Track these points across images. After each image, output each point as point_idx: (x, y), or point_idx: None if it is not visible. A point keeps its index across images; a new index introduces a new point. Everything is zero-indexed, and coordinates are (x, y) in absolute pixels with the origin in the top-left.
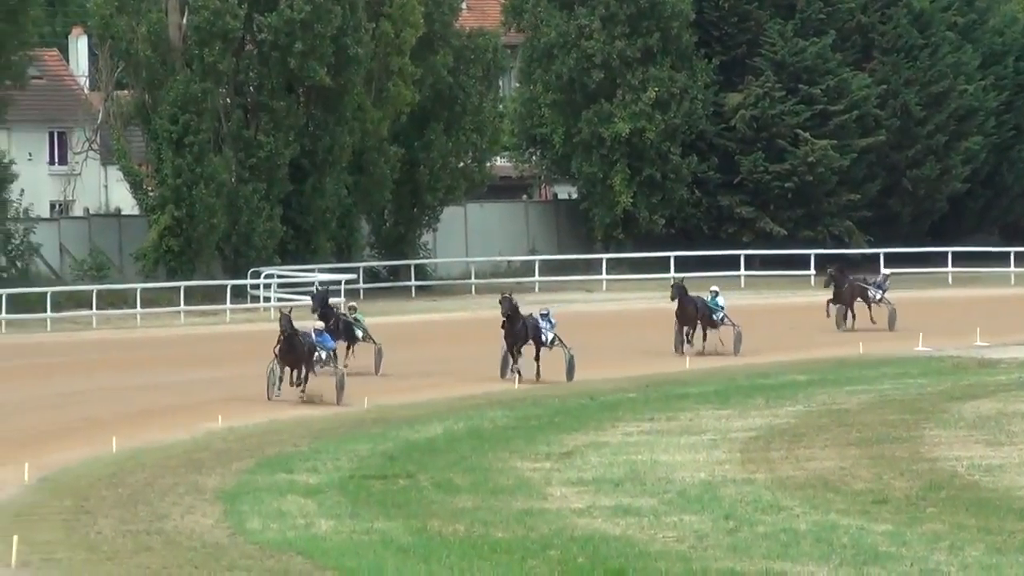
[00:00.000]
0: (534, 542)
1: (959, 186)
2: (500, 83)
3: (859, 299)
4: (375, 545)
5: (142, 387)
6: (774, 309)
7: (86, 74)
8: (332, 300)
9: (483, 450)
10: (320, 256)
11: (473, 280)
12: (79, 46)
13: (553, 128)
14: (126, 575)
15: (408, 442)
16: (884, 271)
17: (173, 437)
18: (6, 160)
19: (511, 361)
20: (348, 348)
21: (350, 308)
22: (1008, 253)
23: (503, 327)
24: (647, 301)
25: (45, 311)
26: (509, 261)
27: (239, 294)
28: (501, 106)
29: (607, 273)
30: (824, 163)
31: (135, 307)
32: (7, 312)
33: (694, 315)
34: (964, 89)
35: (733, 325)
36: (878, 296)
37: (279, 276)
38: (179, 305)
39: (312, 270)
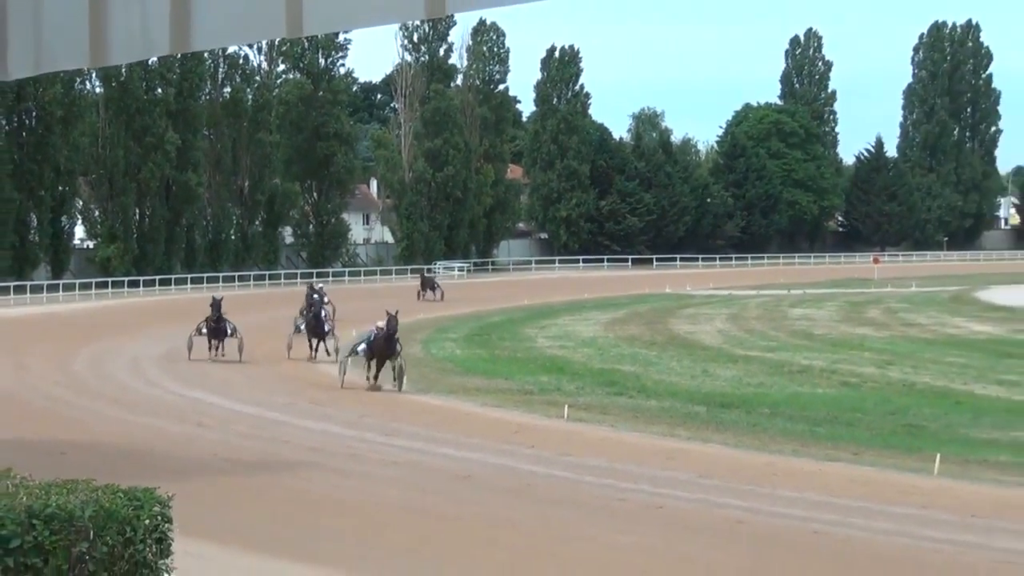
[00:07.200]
0: (532, 359)
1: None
2: None
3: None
4: (476, 359)
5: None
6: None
7: (376, 191)
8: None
9: (514, 325)
10: None
11: None
12: (372, 182)
13: None
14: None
15: (488, 322)
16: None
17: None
18: (348, 223)
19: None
20: (220, 342)
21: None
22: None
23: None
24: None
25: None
26: None
27: None
28: None
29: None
30: (629, 227)
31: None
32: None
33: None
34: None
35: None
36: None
37: None
38: None
39: None
